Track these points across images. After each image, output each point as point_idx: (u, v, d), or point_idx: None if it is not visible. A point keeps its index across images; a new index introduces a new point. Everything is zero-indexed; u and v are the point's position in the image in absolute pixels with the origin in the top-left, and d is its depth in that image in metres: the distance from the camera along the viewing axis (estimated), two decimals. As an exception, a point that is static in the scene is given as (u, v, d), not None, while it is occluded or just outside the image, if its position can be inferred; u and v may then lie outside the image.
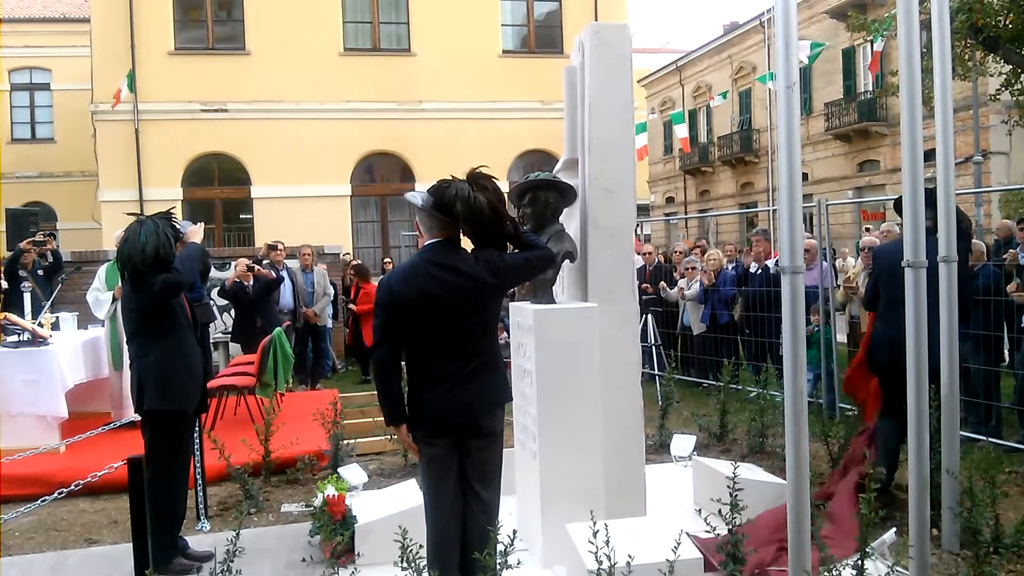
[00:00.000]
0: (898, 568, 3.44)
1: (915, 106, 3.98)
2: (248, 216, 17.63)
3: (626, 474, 4.82)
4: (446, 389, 3.61)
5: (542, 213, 4.67)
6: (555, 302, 4.75)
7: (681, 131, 22.29)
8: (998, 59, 13.40)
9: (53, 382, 7.29)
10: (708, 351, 10.22)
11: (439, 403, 3.62)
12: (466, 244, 3.72)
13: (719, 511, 4.08)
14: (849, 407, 8.07)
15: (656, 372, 9.49)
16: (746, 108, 35.70)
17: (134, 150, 16.68)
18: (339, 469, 5.95)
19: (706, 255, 10.86)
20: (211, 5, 17.42)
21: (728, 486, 4.04)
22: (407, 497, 5.01)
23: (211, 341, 9.97)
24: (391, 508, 4.88)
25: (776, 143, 4.08)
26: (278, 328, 8.77)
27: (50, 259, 10.66)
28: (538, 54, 18.68)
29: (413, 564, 3.04)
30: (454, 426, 3.65)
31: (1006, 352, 8.02)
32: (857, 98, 28.85)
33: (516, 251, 3.79)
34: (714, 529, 3.98)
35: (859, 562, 3.39)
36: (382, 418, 3.83)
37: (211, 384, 7.47)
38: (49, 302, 8.88)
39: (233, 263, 10.92)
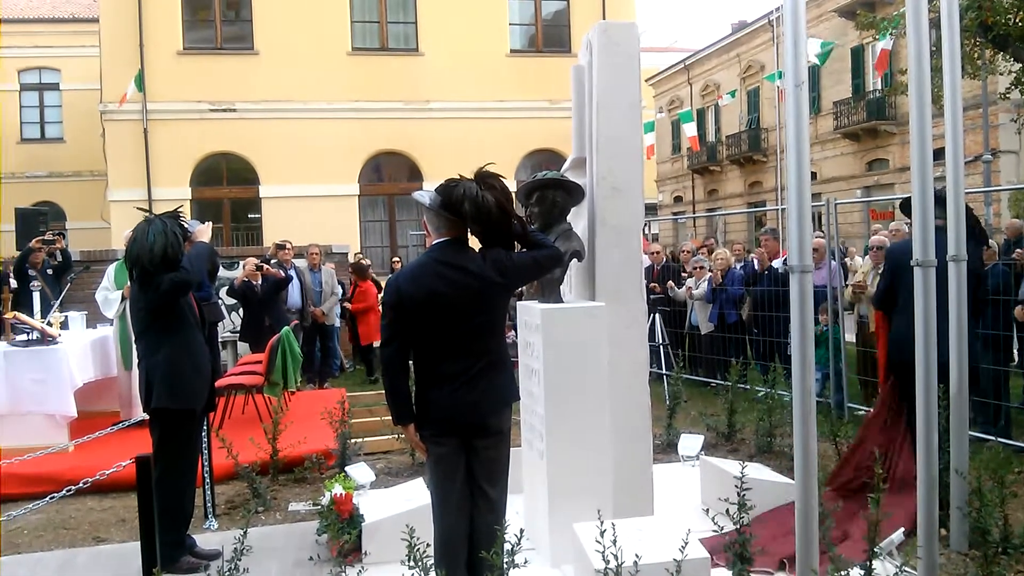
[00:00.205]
0: (906, 568, 3.43)
1: (924, 105, 3.97)
2: (256, 215, 17.68)
3: (634, 473, 4.81)
4: (453, 388, 3.61)
5: (550, 212, 4.66)
6: (563, 301, 4.74)
7: (690, 130, 22.24)
8: (1008, 57, 13.36)
9: (62, 381, 7.31)
10: (716, 350, 10.19)
11: (447, 402, 3.62)
12: (474, 243, 3.71)
13: (727, 511, 4.07)
14: (858, 407, 8.05)
15: (664, 371, 9.48)
16: (754, 107, 35.64)
17: (143, 150, 16.74)
18: (346, 468, 5.96)
19: (714, 254, 10.84)
20: (219, 5, 17.46)
21: (736, 486, 4.02)
22: (414, 496, 5.01)
23: (219, 340, 10.00)
24: (398, 507, 4.88)
25: (785, 142, 4.06)
26: (286, 327, 8.78)
27: (59, 258, 10.68)
28: (546, 53, 18.67)
29: (420, 563, 3.03)
30: (461, 425, 3.65)
31: (1015, 352, 7.98)
32: (866, 97, 28.77)
33: (524, 250, 3.79)
34: (722, 529, 3.97)
35: (867, 562, 3.38)
36: (389, 417, 3.84)
37: (219, 383, 7.49)
38: (58, 301, 8.90)
39: (241, 262, 10.96)
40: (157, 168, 16.77)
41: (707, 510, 4.44)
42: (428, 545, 3.26)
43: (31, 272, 9.93)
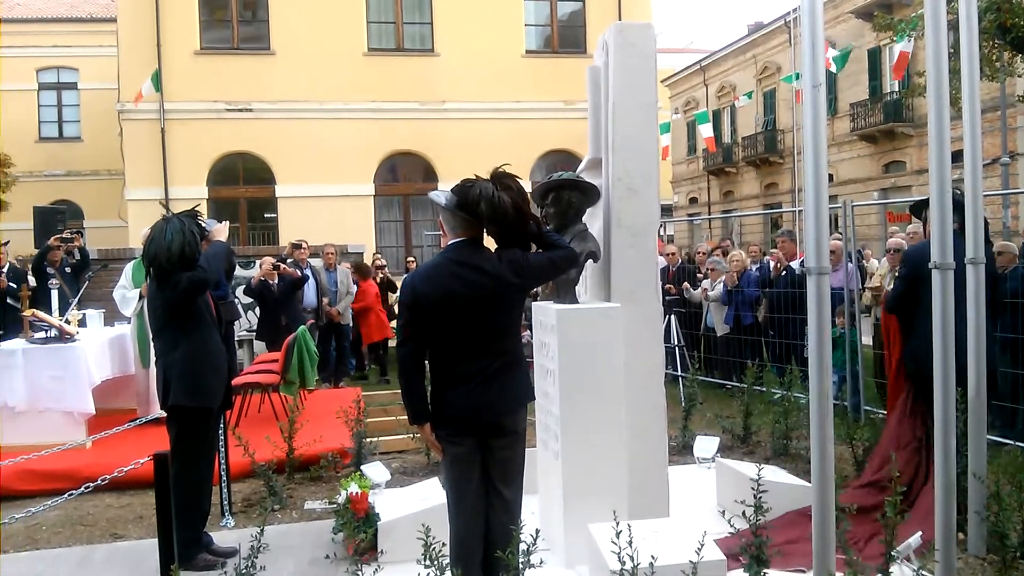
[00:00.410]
0: (924, 572, 3.42)
1: (943, 107, 3.95)
2: (272, 215, 17.73)
3: (649, 475, 4.80)
4: (469, 388, 3.62)
5: (565, 213, 4.66)
6: (578, 302, 4.74)
7: (706, 131, 22.17)
8: (1027, 59, 13.26)
9: (80, 378, 7.37)
10: (732, 352, 10.16)
11: (462, 402, 3.63)
12: (489, 243, 3.72)
13: (743, 513, 4.06)
14: (875, 410, 8.00)
15: (679, 373, 9.45)
16: (771, 108, 35.49)
17: (160, 149, 16.82)
18: (362, 467, 5.98)
19: (729, 256, 10.80)
20: (236, 5, 17.52)
21: (752, 488, 4.01)
22: (430, 495, 5.02)
23: (236, 339, 10.04)
24: (414, 506, 4.89)
25: (801, 143, 4.04)
26: (302, 326, 8.82)
27: (77, 256, 10.76)
28: (561, 54, 18.64)
29: (436, 562, 3.04)
30: (477, 425, 3.66)
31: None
32: (883, 99, 28.59)
33: (539, 251, 3.79)
34: (737, 531, 3.96)
35: (884, 565, 3.36)
36: (405, 416, 3.85)
37: (236, 381, 7.54)
38: (76, 299, 8.98)
39: (258, 262, 11.01)
40: (174, 167, 16.85)
41: (723, 512, 4.42)
42: (444, 544, 3.26)
43: (49, 270, 10.02)
